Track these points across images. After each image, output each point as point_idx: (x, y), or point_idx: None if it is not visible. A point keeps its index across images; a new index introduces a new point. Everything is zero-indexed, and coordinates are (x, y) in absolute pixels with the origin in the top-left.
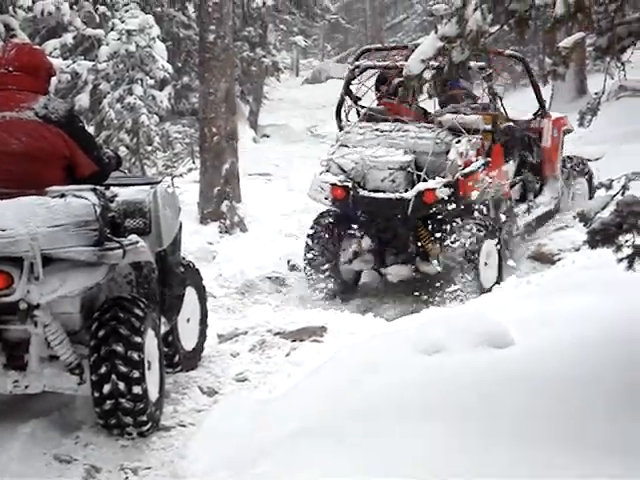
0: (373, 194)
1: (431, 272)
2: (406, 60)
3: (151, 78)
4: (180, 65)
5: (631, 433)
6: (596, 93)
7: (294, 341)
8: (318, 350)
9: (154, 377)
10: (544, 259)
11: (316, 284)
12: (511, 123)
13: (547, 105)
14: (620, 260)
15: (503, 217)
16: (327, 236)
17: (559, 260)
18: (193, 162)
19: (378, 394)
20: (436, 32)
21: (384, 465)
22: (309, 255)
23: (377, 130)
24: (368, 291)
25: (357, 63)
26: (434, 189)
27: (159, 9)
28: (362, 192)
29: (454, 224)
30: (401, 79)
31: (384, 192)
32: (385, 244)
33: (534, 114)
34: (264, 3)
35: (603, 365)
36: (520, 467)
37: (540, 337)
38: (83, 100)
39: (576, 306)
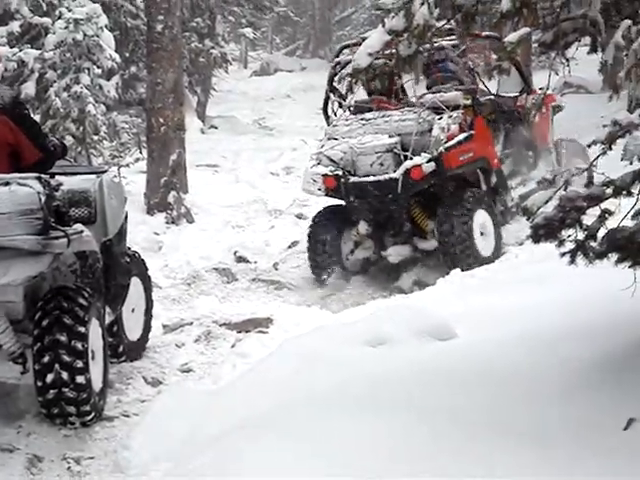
0: (363, 179)
1: (429, 248)
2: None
3: (98, 67)
4: (128, 55)
5: (554, 423)
6: (541, 89)
7: (240, 332)
8: (263, 341)
9: (98, 367)
10: None
11: (324, 283)
12: (492, 97)
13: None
14: (563, 254)
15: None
16: (326, 233)
17: (503, 254)
18: (140, 152)
19: (322, 386)
20: (383, 26)
21: (327, 456)
22: (312, 258)
23: (362, 119)
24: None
25: (337, 59)
26: (420, 165)
27: None
28: (352, 178)
29: (445, 199)
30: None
31: (375, 176)
32: (382, 227)
33: (520, 91)
34: None
35: (541, 358)
36: (462, 457)
37: (483, 330)
38: (29, 88)
39: (518, 300)
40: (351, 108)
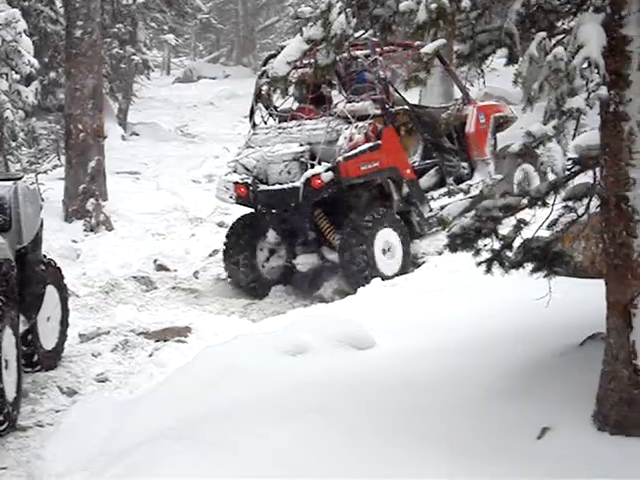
0: (270, 187)
1: (336, 260)
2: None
3: (17, 73)
4: (47, 60)
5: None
6: (456, 99)
7: (158, 341)
8: (182, 351)
9: (11, 376)
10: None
11: (240, 293)
12: (405, 107)
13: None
14: (479, 264)
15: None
16: (242, 242)
17: (423, 263)
18: (59, 159)
19: (240, 395)
20: (302, 35)
21: (242, 466)
22: (229, 267)
23: (280, 128)
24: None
25: (264, 69)
26: (319, 174)
27: (26, 3)
28: (261, 187)
29: (350, 213)
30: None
31: (281, 184)
32: (292, 236)
33: (454, 100)
34: (134, 0)
35: (460, 367)
36: (378, 463)
37: (402, 339)
38: None
39: (438, 309)
40: (275, 117)
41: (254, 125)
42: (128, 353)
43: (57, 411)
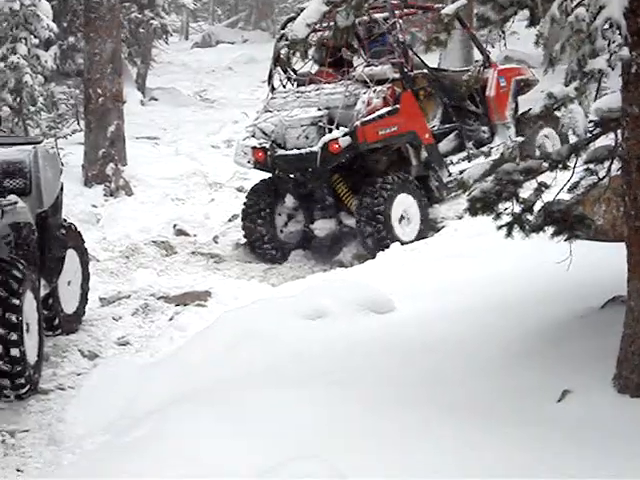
0: (288, 152)
1: (353, 225)
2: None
3: (35, 37)
4: (66, 25)
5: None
6: (476, 61)
7: (178, 305)
8: (202, 315)
9: (33, 340)
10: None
11: (260, 257)
12: (425, 70)
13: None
14: (499, 227)
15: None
16: (260, 207)
17: (443, 228)
18: (78, 124)
19: (259, 359)
20: None
21: (262, 429)
22: (247, 231)
23: (298, 92)
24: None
25: (283, 32)
26: (337, 139)
27: None
28: (279, 151)
29: (368, 179)
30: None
31: (299, 149)
32: (310, 201)
33: (474, 63)
34: None
35: (480, 330)
36: (402, 431)
37: (421, 303)
38: None
39: (457, 274)
40: (294, 81)
41: (272, 89)
42: (148, 317)
43: (78, 374)
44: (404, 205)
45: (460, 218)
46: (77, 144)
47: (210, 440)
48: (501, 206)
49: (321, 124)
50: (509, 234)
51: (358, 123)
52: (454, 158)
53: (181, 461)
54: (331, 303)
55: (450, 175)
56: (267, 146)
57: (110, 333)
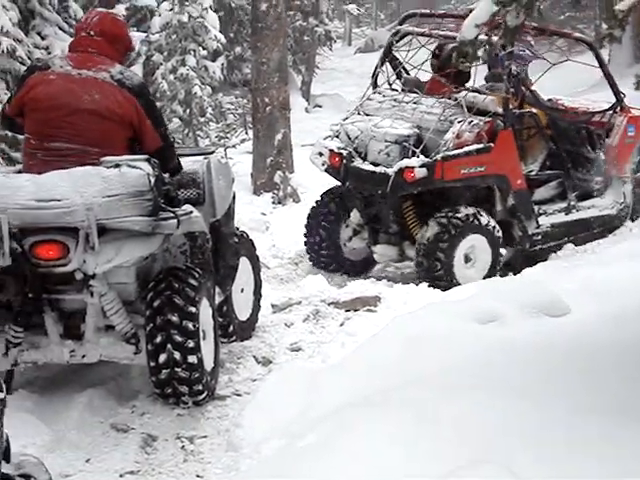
0: (362, 166)
1: (414, 258)
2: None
3: (204, 49)
4: (232, 35)
5: None
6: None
7: (348, 311)
8: (372, 320)
9: (209, 347)
10: None
11: (319, 267)
12: (533, 110)
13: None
14: None
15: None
16: (327, 216)
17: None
18: (246, 133)
19: (432, 363)
20: None
21: (442, 434)
22: (309, 239)
23: (395, 100)
24: None
25: (398, 28)
26: (413, 168)
27: None
28: (355, 163)
29: (440, 210)
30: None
31: (377, 165)
32: (372, 221)
33: (610, 107)
34: None
35: None
36: (576, 444)
37: (597, 306)
38: (137, 71)
39: (632, 275)
40: (402, 80)
41: (375, 86)
42: (319, 323)
43: (253, 380)
44: (473, 247)
45: (635, 219)
46: (245, 153)
47: (388, 444)
48: None
49: (406, 144)
50: None
51: (439, 157)
52: (550, 208)
53: (359, 465)
54: (503, 306)
55: (538, 227)
56: (345, 153)
57: (282, 339)
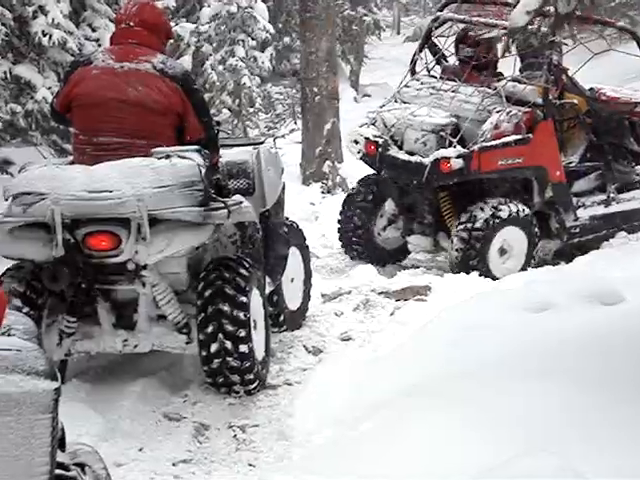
0: (398, 155)
1: (449, 249)
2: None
3: (252, 39)
4: (281, 25)
5: None
6: None
7: (398, 300)
8: (422, 309)
9: (260, 336)
10: None
11: (351, 256)
12: (575, 101)
13: None
14: None
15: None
16: (362, 205)
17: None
18: (295, 123)
19: (484, 352)
20: None
21: (492, 423)
22: (341, 227)
23: (433, 88)
24: None
25: (438, 14)
26: (450, 158)
27: None
28: (391, 151)
29: (477, 200)
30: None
31: (413, 154)
32: (407, 211)
33: None
34: None
35: None
36: (620, 433)
37: None
38: (186, 62)
39: None
40: (442, 66)
41: (413, 72)
42: (369, 312)
43: (304, 369)
44: (510, 239)
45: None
46: (294, 143)
47: (444, 432)
48: None
49: (443, 134)
50: None
51: (476, 147)
52: (588, 200)
53: (419, 453)
54: (555, 295)
55: (577, 219)
56: (380, 141)
57: (333, 329)
